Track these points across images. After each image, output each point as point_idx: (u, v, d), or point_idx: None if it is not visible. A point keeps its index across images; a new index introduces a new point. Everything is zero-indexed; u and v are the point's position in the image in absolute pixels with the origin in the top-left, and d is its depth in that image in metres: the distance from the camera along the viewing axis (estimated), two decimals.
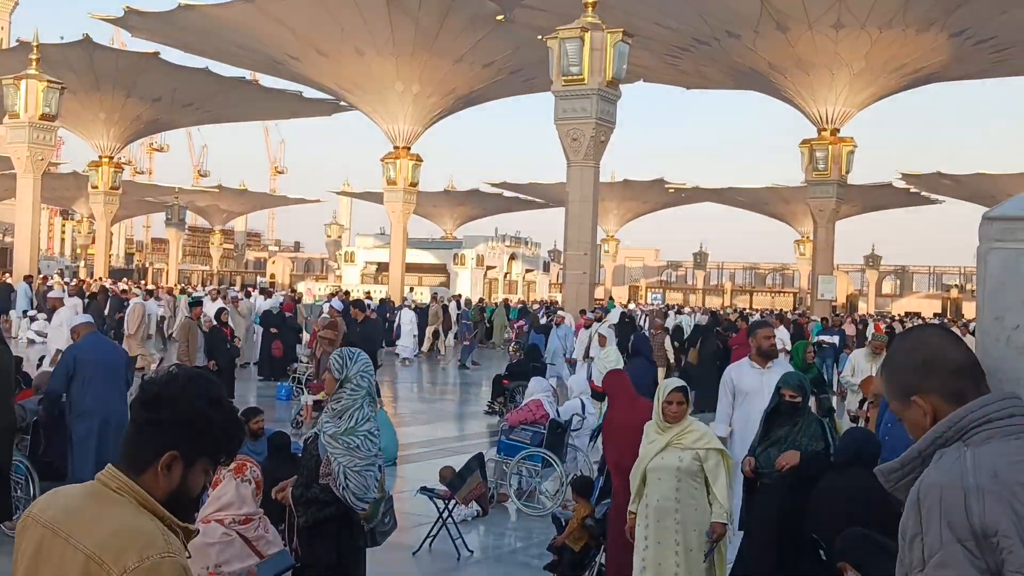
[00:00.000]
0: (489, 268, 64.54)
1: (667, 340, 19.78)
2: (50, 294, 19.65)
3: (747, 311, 46.92)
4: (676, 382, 5.92)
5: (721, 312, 39.00)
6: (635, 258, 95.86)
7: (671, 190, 69.38)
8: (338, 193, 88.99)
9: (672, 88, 45.90)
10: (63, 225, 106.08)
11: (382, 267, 57.88)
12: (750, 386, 7.68)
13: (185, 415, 2.25)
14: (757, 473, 6.08)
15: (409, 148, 44.31)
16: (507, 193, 75.92)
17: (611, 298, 49.54)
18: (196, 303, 16.57)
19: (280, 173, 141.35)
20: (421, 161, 45.13)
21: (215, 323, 16.22)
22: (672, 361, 19.76)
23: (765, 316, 32.33)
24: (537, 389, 10.57)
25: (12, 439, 7.75)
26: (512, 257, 67.88)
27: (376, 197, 60.67)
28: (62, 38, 43.69)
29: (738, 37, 34.25)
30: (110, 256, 55.91)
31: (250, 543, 4.37)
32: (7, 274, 39.87)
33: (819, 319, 32.09)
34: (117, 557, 2.08)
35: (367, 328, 14.03)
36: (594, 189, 28.12)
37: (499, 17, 35.30)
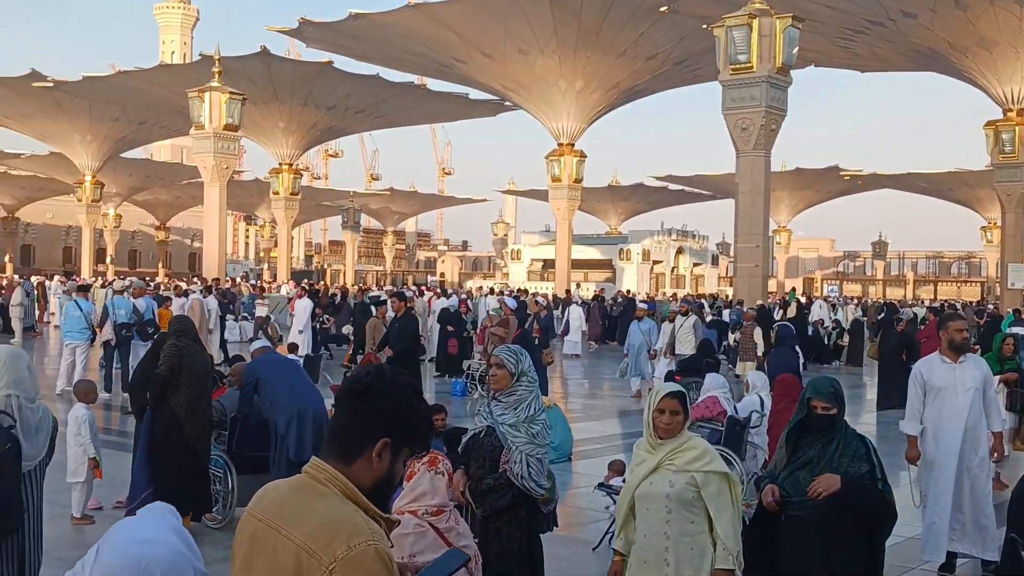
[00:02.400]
0: (655, 263, 63.93)
1: (757, 331, 18.77)
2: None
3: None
4: (670, 387, 4.68)
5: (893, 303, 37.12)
6: (809, 249, 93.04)
7: (846, 177, 66.95)
8: (503, 192, 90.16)
9: (845, 72, 44.33)
10: (247, 230, 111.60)
11: (548, 264, 58.21)
12: (942, 382, 7.30)
13: (394, 405, 2.35)
14: (782, 503, 4.79)
15: (573, 144, 44.39)
16: (672, 186, 75.06)
17: (792, 290, 48.16)
18: (380, 303, 17.10)
19: (448, 174, 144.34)
20: (585, 157, 45.15)
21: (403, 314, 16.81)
22: (760, 355, 18.33)
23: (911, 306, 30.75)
24: (713, 385, 10.38)
25: (211, 434, 8.19)
26: (679, 251, 67.02)
27: (541, 194, 61.13)
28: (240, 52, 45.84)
29: (914, 16, 32.68)
30: (291, 258, 58.35)
31: (441, 534, 4.51)
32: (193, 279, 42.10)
33: (1011, 310, 30.29)
34: (327, 546, 2.17)
35: (406, 322, 14.00)
36: (765, 179, 27.46)
37: (663, 9, 34.90)
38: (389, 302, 18.63)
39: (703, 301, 35.25)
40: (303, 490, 2.32)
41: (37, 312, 30.30)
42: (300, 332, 21.69)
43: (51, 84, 48.79)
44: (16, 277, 39.39)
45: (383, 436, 2.32)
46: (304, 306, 22.55)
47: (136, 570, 2.24)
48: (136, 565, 2.25)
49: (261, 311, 27.20)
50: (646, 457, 4.56)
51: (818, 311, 30.41)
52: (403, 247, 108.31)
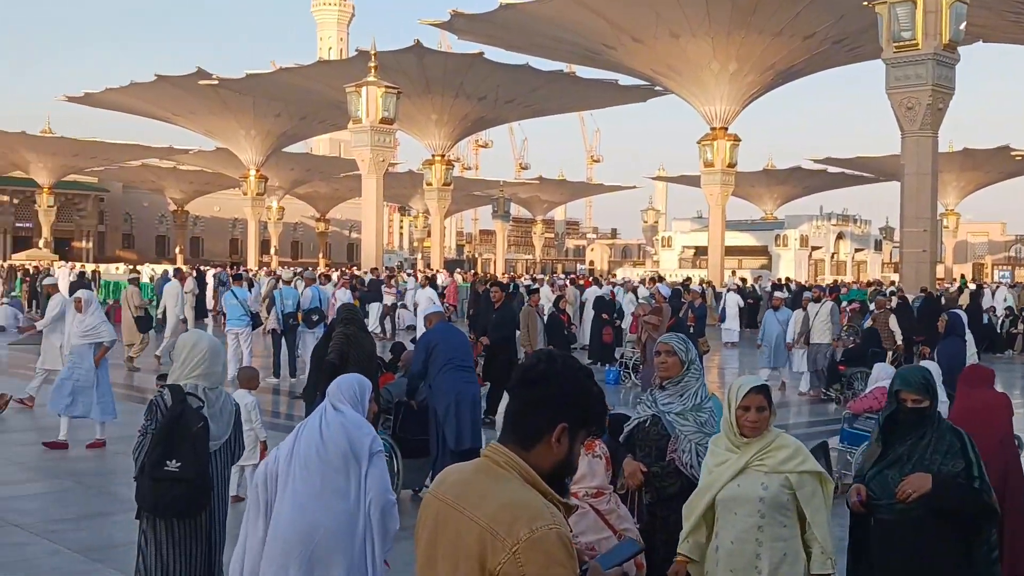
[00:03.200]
0: (814, 248, 62.08)
1: (892, 319, 17.49)
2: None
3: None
4: (753, 381, 4.23)
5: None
6: (978, 233, 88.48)
7: (1017, 158, 63.34)
8: (653, 178, 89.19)
9: (1016, 47, 41.83)
10: (401, 221, 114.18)
11: (700, 251, 57.34)
12: None
13: (570, 389, 2.38)
14: (869, 505, 4.29)
15: (726, 128, 43.47)
16: (832, 169, 72.60)
17: (962, 276, 45.97)
18: (533, 291, 17.20)
19: (596, 162, 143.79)
20: (739, 141, 44.16)
21: (555, 310, 16.87)
22: (900, 344, 17.09)
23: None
24: (882, 375, 9.97)
25: (377, 419, 8.41)
26: (839, 236, 64.90)
27: (692, 180, 60.17)
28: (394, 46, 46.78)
29: None
30: (444, 248, 59.39)
31: (602, 516, 4.56)
32: (351, 268, 43.27)
33: None
34: (510, 528, 2.22)
35: (504, 312, 13.59)
36: (932, 160, 26.25)
37: None
38: (540, 290, 18.73)
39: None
40: (484, 473, 2.38)
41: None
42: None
43: (216, 82, 50.99)
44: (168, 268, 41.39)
45: (560, 421, 2.35)
46: (428, 295, 22.98)
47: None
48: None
49: (388, 299, 27.69)
50: (728, 457, 4.18)
51: (992, 298, 28.90)
52: (552, 235, 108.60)
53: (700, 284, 33.25)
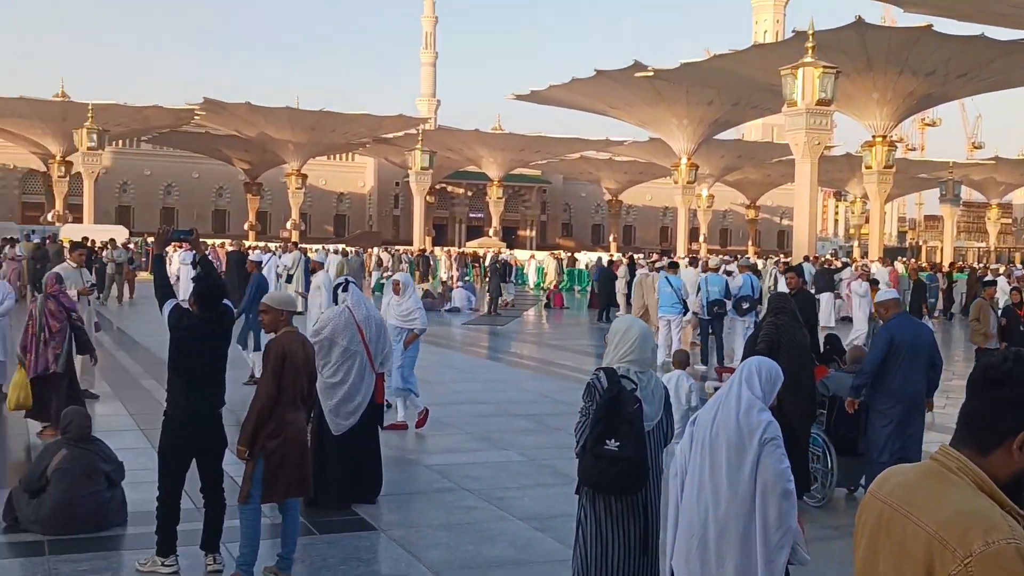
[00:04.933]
0: None
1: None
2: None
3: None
4: None
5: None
6: None
7: None
8: None
9: None
10: (836, 206, 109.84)
11: None
12: None
13: None
14: None
15: None
16: None
17: None
18: (989, 284, 15.67)
19: None
20: None
21: (1011, 303, 15.23)
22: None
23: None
24: None
25: (812, 413, 8.11)
26: None
27: None
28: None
29: None
30: (883, 235, 56.14)
31: None
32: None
33: None
34: (962, 539, 2.04)
35: (801, 301, 11.76)
36: None
37: None
38: (997, 282, 16.91)
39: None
40: (932, 477, 2.21)
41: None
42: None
43: (651, 73, 52.24)
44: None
45: None
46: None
47: None
48: None
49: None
50: None
51: None
52: (1009, 221, 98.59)
53: None
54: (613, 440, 4.47)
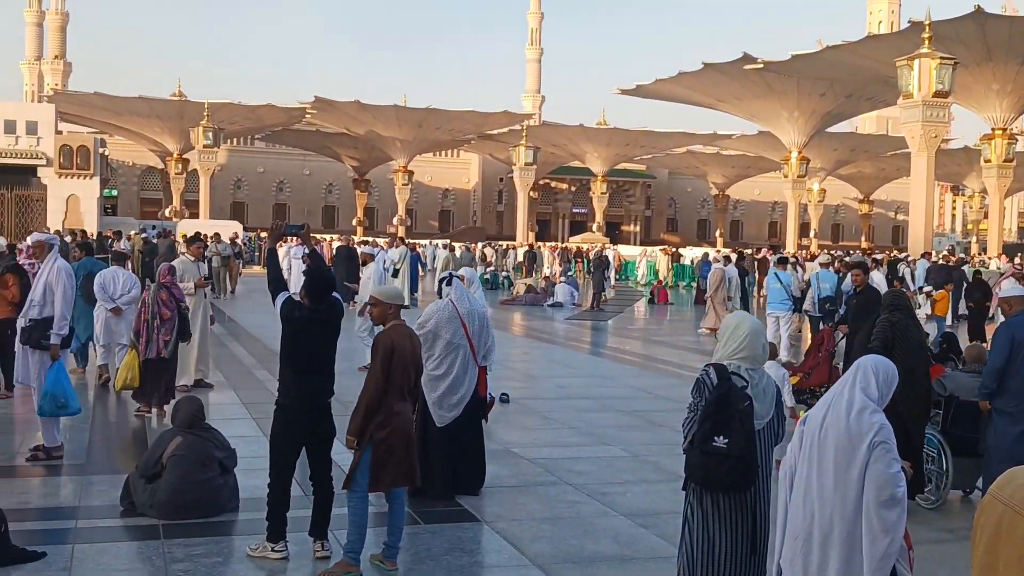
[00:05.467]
0: None
1: None
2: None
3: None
4: None
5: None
6: None
7: None
8: None
9: None
10: (953, 201, 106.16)
11: None
12: None
13: None
14: None
15: None
16: None
17: None
18: None
19: None
20: None
21: None
22: None
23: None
24: None
25: (927, 412, 7.85)
26: None
27: None
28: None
29: None
30: (1002, 231, 54.02)
31: None
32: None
33: None
34: None
35: (865, 298, 10.96)
36: None
37: None
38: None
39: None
40: None
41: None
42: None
43: (761, 65, 51.34)
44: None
45: None
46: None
47: None
48: None
49: None
50: None
51: None
52: None
53: None
54: (722, 437, 4.40)
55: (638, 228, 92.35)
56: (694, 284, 36.76)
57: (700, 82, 56.27)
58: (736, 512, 4.56)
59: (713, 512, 4.57)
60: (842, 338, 11.93)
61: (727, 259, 26.95)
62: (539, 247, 48.93)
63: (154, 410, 10.58)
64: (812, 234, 74.12)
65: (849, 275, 13.41)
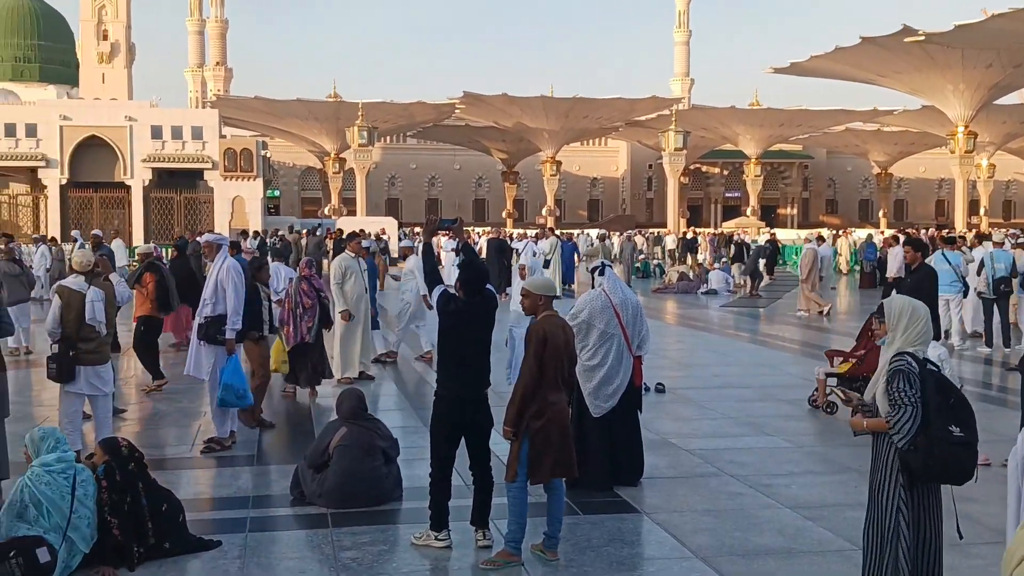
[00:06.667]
0: None
1: None
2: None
3: None
4: None
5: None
6: None
7: None
8: None
9: None
10: None
11: None
12: None
13: None
14: None
15: None
16: None
17: None
18: None
19: None
20: None
21: None
22: None
23: None
24: None
25: None
26: None
27: None
28: None
29: None
30: None
31: None
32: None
33: None
34: None
35: (921, 276, 9.88)
36: None
37: None
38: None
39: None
40: None
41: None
42: None
43: (922, 37, 49.05)
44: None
45: None
46: None
47: None
48: None
49: None
50: None
51: None
52: None
53: None
54: (956, 427, 4.32)
55: (795, 211, 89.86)
56: (856, 267, 35.47)
57: (858, 57, 54.19)
58: (939, 505, 4.52)
59: (922, 506, 4.48)
60: None
61: (820, 239, 26.23)
62: (695, 233, 48.05)
63: (306, 389, 11.59)
64: (982, 212, 70.43)
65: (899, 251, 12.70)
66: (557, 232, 33.00)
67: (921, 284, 11.21)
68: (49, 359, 8.36)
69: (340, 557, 6.15)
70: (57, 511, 5.73)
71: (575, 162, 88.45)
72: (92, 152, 46.38)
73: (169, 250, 21.69)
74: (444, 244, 27.62)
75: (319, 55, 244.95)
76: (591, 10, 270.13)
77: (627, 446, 7.83)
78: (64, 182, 46.07)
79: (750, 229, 53.59)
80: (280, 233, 36.09)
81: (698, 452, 8.92)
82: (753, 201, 75.69)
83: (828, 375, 10.84)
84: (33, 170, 46.63)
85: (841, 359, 11.11)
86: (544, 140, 73.52)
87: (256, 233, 35.44)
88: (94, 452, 6.37)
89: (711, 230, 57.84)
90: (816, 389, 10.94)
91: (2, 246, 15.99)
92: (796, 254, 41.91)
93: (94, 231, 20.72)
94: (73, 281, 8.45)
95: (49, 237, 30.54)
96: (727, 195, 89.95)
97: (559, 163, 75.73)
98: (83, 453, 7.62)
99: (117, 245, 26.97)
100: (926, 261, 13.22)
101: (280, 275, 13.33)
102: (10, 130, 46.02)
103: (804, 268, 21.90)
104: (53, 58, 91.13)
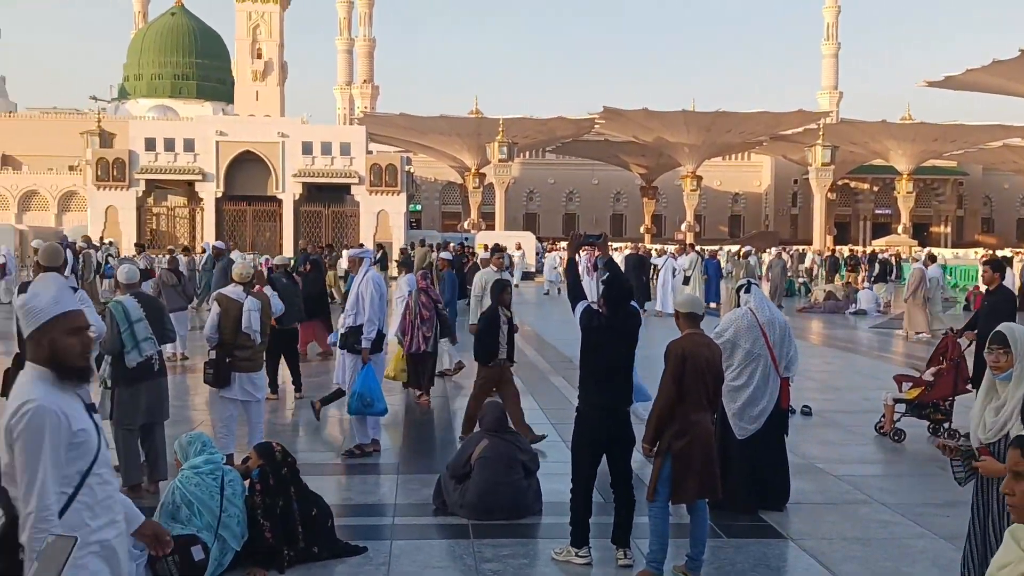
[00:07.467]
0: None
1: None
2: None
3: None
4: None
5: None
6: None
7: None
8: None
9: None
10: None
11: None
12: None
13: None
14: None
15: None
16: None
17: None
18: None
19: None
20: None
21: None
22: None
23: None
24: None
25: None
26: None
27: None
28: None
29: None
30: None
31: None
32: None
33: None
34: None
35: (998, 298, 8.67)
36: None
37: None
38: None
39: None
40: None
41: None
42: None
43: None
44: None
45: None
46: None
47: None
48: None
49: None
50: None
51: None
52: None
53: None
54: None
55: (949, 229, 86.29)
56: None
57: (1018, 70, 51.79)
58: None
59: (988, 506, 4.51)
60: (968, 345, 10.58)
61: (931, 258, 25.11)
62: (839, 252, 46.65)
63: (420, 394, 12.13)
64: None
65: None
66: (697, 248, 32.54)
67: (998, 307, 10.45)
68: (206, 364, 8.76)
69: (482, 568, 6.20)
70: (207, 510, 5.97)
71: (716, 177, 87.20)
72: (246, 167, 48.36)
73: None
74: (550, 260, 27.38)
75: (462, 72, 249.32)
76: (735, 23, 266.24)
77: (773, 469, 7.65)
78: (219, 195, 48.16)
79: (900, 247, 51.70)
80: (412, 243, 37.05)
81: (846, 478, 8.63)
82: (905, 219, 73.04)
83: (896, 401, 10.42)
84: (191, 183, 48.93)
85: (910, 384, 10.67)
86: (684, 155, 72.77)
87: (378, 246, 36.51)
88: (248, 456, 6.61)
89: (856, 248, 56.02)
90: (883, 416, 10.52)
91: (167, 256, 16.85)
92: (949, 274, 40.21)
93: (215, 242, 21.37)
94: (232, 290, 8.83)
95: (182, 247, 31.87)
96: (877, 212, 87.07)
97: (699, 178, 74.79)
98: (236, 457, 7.92)
99: (236, 256, 28.04)
100: None
101: (403, 286, 13.62)
102: (169, 145, 48.40)
103: (910, 288, 21.70)
104: (210, 76, 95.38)
